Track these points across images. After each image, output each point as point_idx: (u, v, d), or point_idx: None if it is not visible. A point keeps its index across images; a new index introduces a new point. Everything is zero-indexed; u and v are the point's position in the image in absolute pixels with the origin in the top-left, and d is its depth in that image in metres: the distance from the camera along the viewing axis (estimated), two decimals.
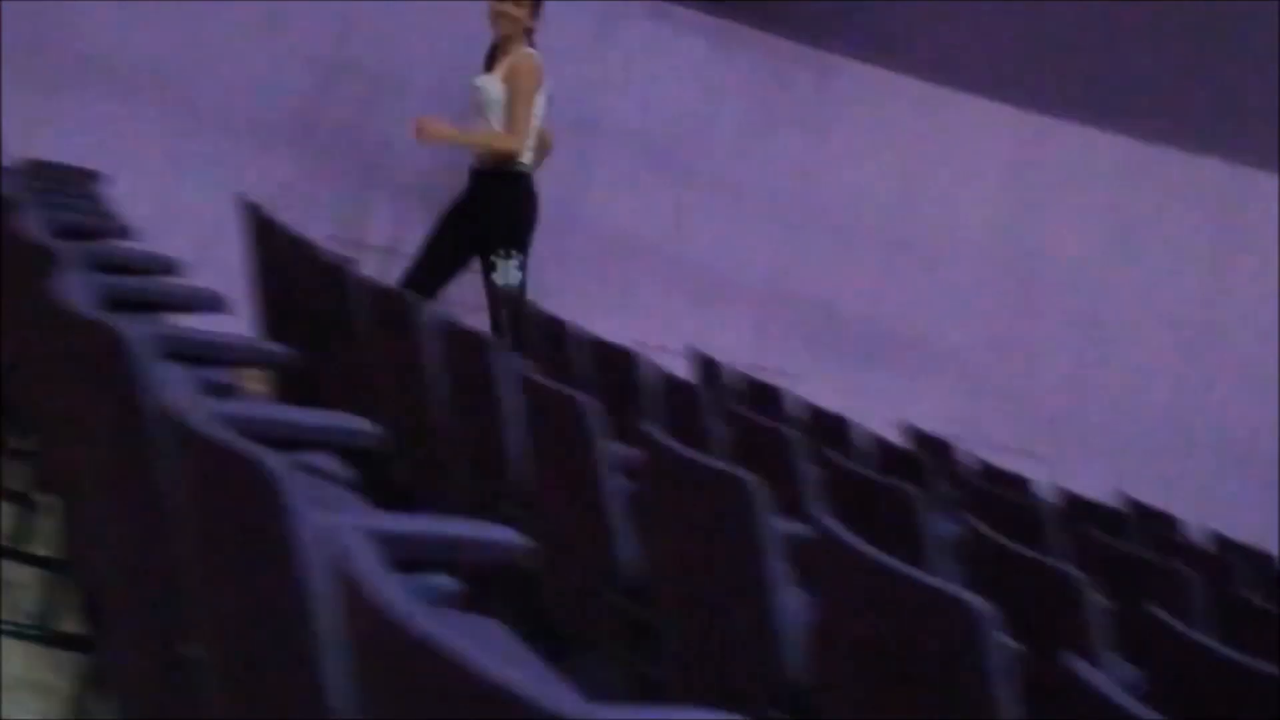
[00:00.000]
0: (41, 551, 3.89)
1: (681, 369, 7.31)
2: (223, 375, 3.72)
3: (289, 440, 2.72)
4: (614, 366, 6.13)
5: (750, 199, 9.53)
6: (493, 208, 7.57)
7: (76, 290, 2.88)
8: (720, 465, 3.47)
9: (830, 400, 7.50)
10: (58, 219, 4.72)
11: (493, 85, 7.60)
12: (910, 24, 9.64)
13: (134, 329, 2.41)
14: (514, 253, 7.54)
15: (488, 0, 7.65)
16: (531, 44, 7.70)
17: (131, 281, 4.34)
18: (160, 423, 2.21)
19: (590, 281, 9.13)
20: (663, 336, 8.43)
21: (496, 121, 7.59)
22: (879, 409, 8.09)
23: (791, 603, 3.23)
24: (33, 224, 3.53)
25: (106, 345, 2.44)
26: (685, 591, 3.50)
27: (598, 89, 9.22)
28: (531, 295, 7.59)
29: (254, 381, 5.41)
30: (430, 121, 7.60)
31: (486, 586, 2.85)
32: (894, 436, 7.14)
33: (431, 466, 4.64)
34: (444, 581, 2.31)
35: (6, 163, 5.11)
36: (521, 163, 7.62)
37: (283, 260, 5.75)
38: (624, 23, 9.30)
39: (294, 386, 4.96)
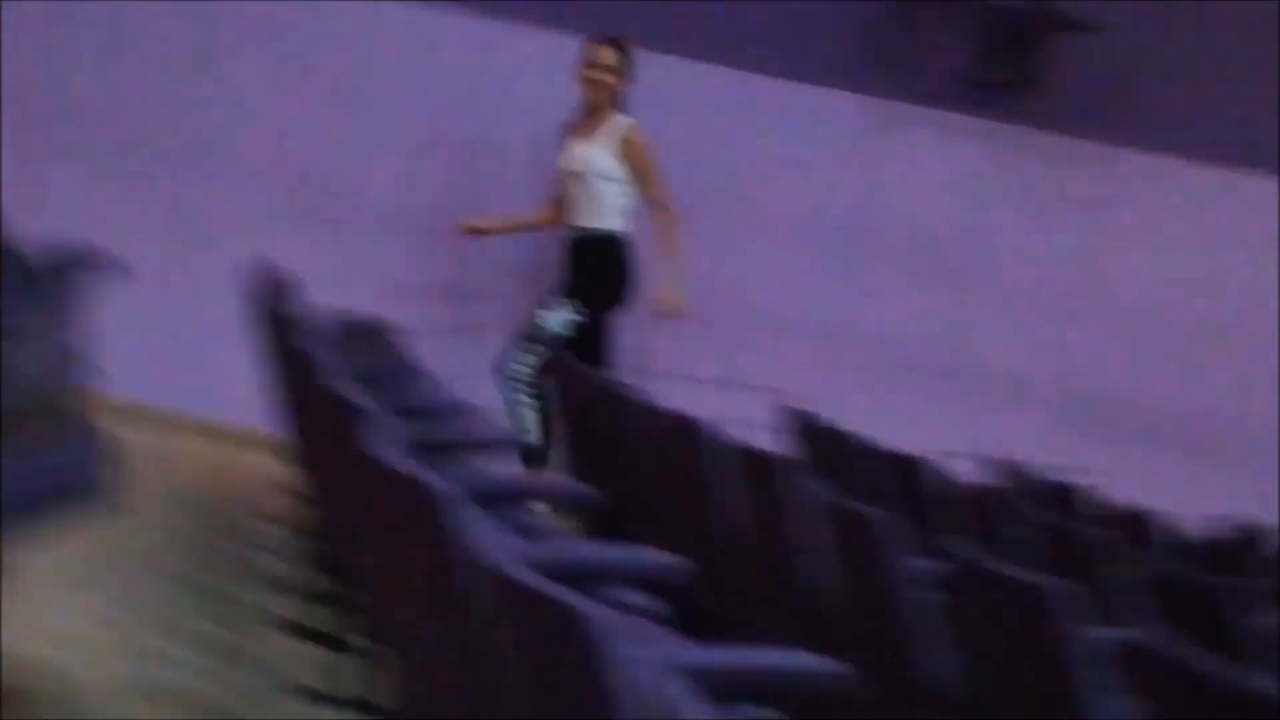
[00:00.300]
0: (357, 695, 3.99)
1: (973, 474, 7.23)
2: (529, 514, 3.79)
3: (598, 578, 2.76)
4: (905, 476, 6.10)
5: (1029, 297, 9.41)
6: (591, 265, 7.36)
7: (384, 442, 2.97)
8: (1025, 575, 3.43)
9: (1133, 495, 7.35)
10: (359, 369, 4.88)
11: (600, 157, 7.39)
12: (1179, 108, 9.48)
13: (441, 479, 2.48)
14: (582, 307, 7.26)
15: (584, 67, 7.43)
16: (622, 109, 7.49)
17: (435, 426, 4.45)
18: (473, 571, 2.26)
19: (871, 390, 9.09)
20: (950, 442, 8.33)
21: (599, 193, 7.36)
22: (1187, 501, 7.91)
23: (1114, 712, 3.16)
24: (337, 378, 3.65)
25: (417, 496, 2.51)
26: (999, 708, 3.45)
27: (871, 197, 9.23)
28: (812, 403, 7.50)
29: (560, 515, 5.49)
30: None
31: (804, 713, 2.84)
32: (1199, 528, 6.97)
33: (734, 592, 4.65)
34: (763, 713, 2.31)
35: (298, 314, 5.28)
36: (624, 231, 7.43)
37: (574, 393, 5.84)
38: (896, 129, 9.30)
39: (599, 518, 5.02)
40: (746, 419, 8.16)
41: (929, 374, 9.30)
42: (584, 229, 7.38)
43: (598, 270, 7.32)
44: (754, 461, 4.61)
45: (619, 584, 2.94)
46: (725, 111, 9.06)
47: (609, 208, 7.39)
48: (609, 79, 7.40)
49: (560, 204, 7.53)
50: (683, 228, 7.50)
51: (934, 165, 9.35)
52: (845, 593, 4.02)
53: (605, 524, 4.88)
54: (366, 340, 6.41)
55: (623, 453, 5.27)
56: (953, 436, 8.65)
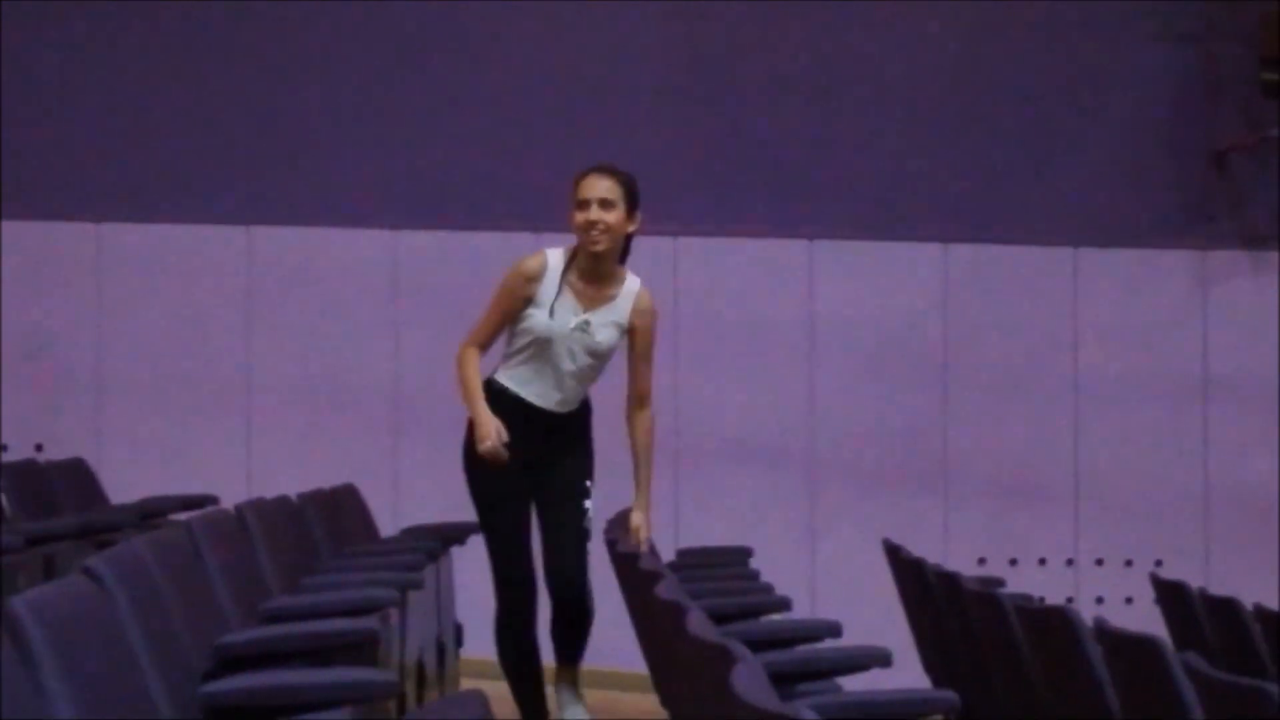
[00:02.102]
0: None
1: None
2: None
3: None
4: None
5: None
6: (588, 439, 5.81)
7: (751, 680, 3.04)
8: None
9: None
10: (718, 605, 4.96)
11: (609, 330, 5.66)
12: None
13: (806, 712, 2.53)
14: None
15: (583, 209, 5.59)
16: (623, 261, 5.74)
17: (799, 653, 4.50)
18: None
19: (1246, 544, 8.86)
20: None
21: (595, 370, 5.71)
22: None
23: None
24: (699, 621, 3.74)
25: None
26: None
27: (1212, 347, 9.10)
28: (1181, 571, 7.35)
29: None
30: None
31: None
32: None
33: None
34: None
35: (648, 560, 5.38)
36: None
37: (933, 598, 5.83)
38: (1228, 278, 9.18)
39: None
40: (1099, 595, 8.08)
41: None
42: (580, 399, 5.72)
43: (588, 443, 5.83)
44: (1126, 644, 4.54)
45: None
46: (1057, 285, 9.06)
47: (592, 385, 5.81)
48: (623, 224, 5.60)
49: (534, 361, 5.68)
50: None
51: (1272, 305, 9.17)
52: None
53: None
54: (729, 572, 6.51)
55: (981, 648, 5.23)
56: None
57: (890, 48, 9.11)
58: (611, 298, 5.64)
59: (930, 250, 9.01)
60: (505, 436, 5.47)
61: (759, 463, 8.81)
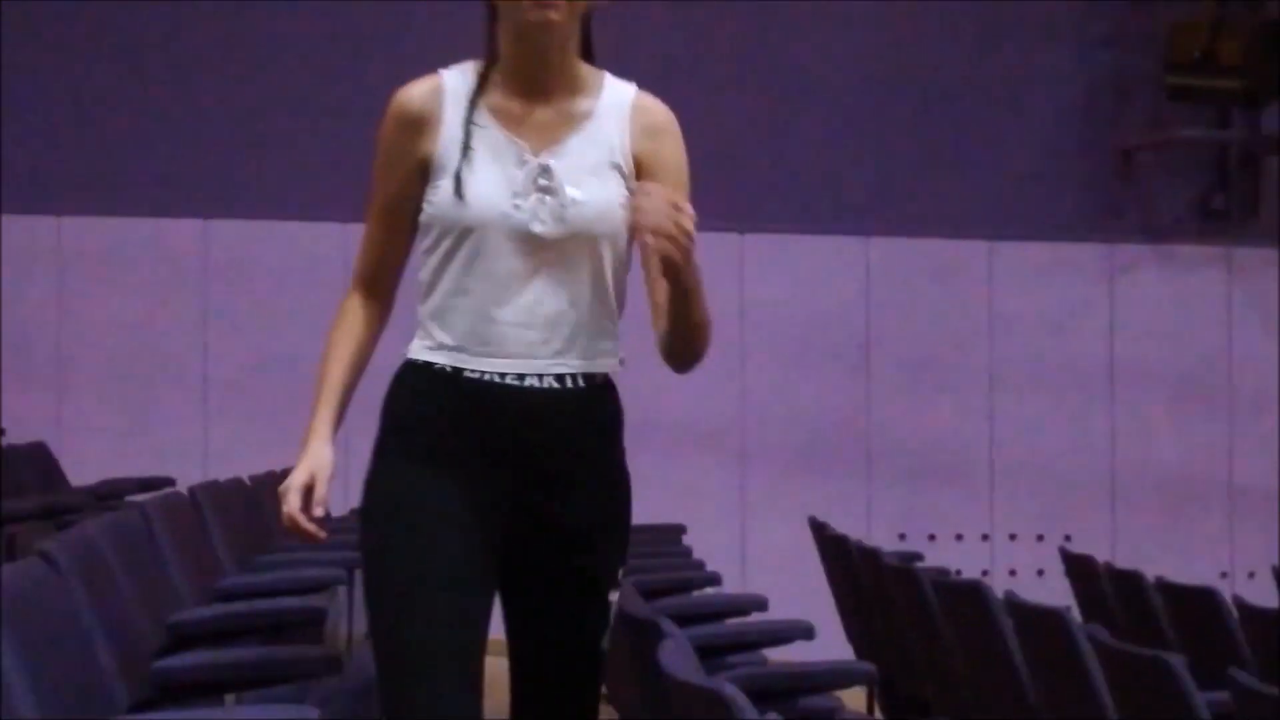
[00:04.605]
0: None
1: (1260, 595, 7.03)
2: (824, 701, 3.81)
3: None
4: (1193, 608, 5.95)
5: (1221, 394, 9.18)
6: (610, 468, 2.89)
7: (678, 655, 3.04)
8: None
9: None
10: (650, 581, 4.96)
11: (592, 175, 2.83)
12: None
13: (729, 688, 2.53)
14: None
15: None
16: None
17: (727, 627, 4.50)
18: None
19: (1151, 523, 8.92)
20: (1241, 564, 8.13)
21: (598, 274, 2.84)
22: None
23: None
24: (630, 596, 3.73)
25: (710, 707, 2.56)
26: None
27: (1121, 336, 9.14)
28: (1083, 544, 7.39)
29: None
30: None
31: None
32: None
33: None
34: None
35: None
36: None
37: (855, 573, 5.85)
38: (1132, 266, 9.23)
39: (890, 693, 5.00)
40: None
41: (1206, 500, 9.09)
42: (569, 370, 2.83)
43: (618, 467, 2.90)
44: (1035, 616, 4.56)
45: None
46: (973, 277, 9.09)
47: (610, 319, 2.88)
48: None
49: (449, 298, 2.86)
50: None
51: (1176, 296, 9.24)
52: None
53: (898, 696, 4.85)
54: (664, 549, 6.50)
55: (900, 620, 5.24)
56: (1231, 558, 8.44)
57: (815, 48, 9.11)
58: (580, 117, 2.82)
59: (853, 243, 9.03)
60: (319, 504, 2.79)
61: (692, 444, 8.81)
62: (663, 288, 2.75)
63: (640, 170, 2.83)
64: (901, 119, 9.13)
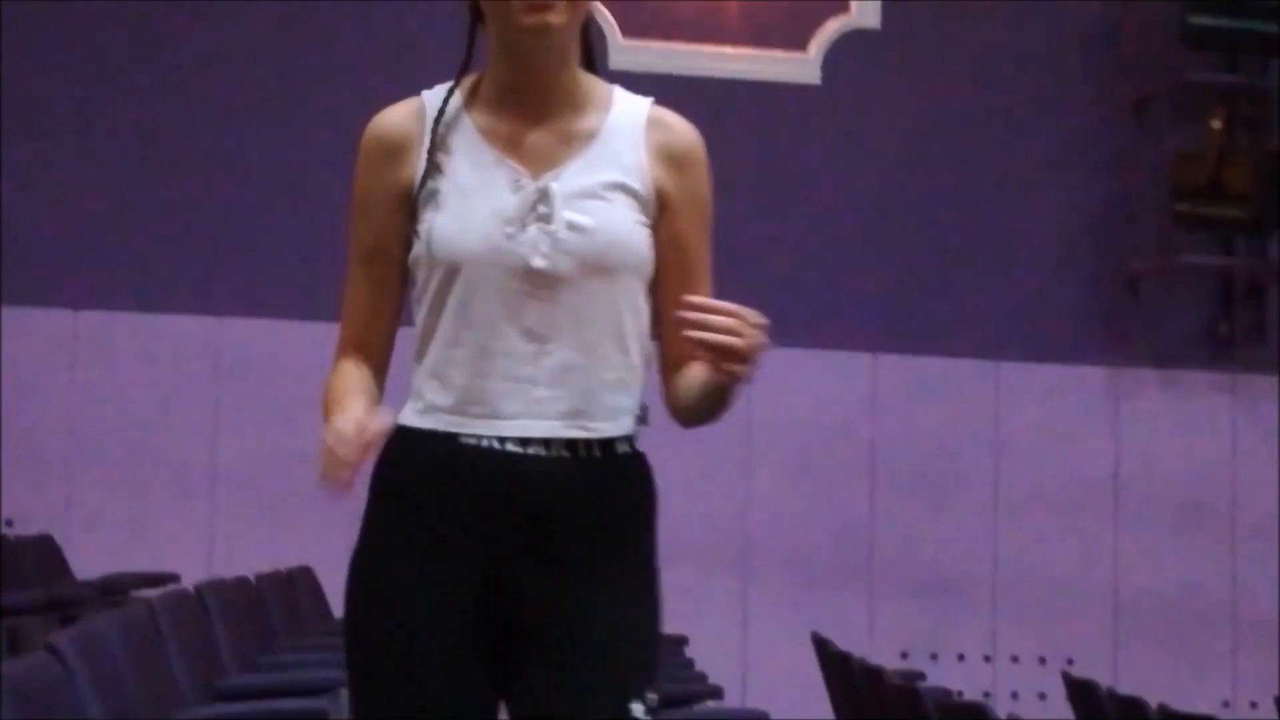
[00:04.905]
0: None
1: None
2: None
3: None
4: None
5: (1225, 519, 9.15)
6: (638, 565, 2.55)
7: None
8: None
9: None
10: None
11: (598, 198, 2.37)
12: None
13: None
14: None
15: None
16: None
17: None
18: None
19: (1154, 648, 8.86)
20: (1231, 692, 8.05)
21: (614, 314, 2.37)
22: None
23: None
24: None
25: None
26: None
27: (1127, 460, 9.13)
28: (1090, 669, 7.32)
29: None
30: None
31: None
32: None
33: None
34: None
35: None
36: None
37: (857, 690, 5.80)
38: (1137, 391, 9.23)
39: None
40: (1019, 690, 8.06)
41: (1209, 627, 9.04)
42: (583, 435, 2.38)
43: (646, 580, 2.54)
44: None
45: None
46: (979, 396, 9.09)
47: (630, 372, 2.43)
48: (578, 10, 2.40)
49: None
50: None
51: (1181, 421, 9.23)
52: None
53: None
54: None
55: None
56: (1235, 686, 8.38)
57: (823, 166, 9.16)
58: (584, 137, 2.40)
59: (859, 359, 9.04)
60: (370, 432, 2.27)
61: (696, 556, 8.77)
62: (689, 363, 2.35)
63: (660, 200, 2.37)
64: (908, 238, 9.17)
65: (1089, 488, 9.10)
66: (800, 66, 9.21)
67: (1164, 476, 9.13)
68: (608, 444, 2.35)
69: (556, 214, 2.30)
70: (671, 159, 2.38)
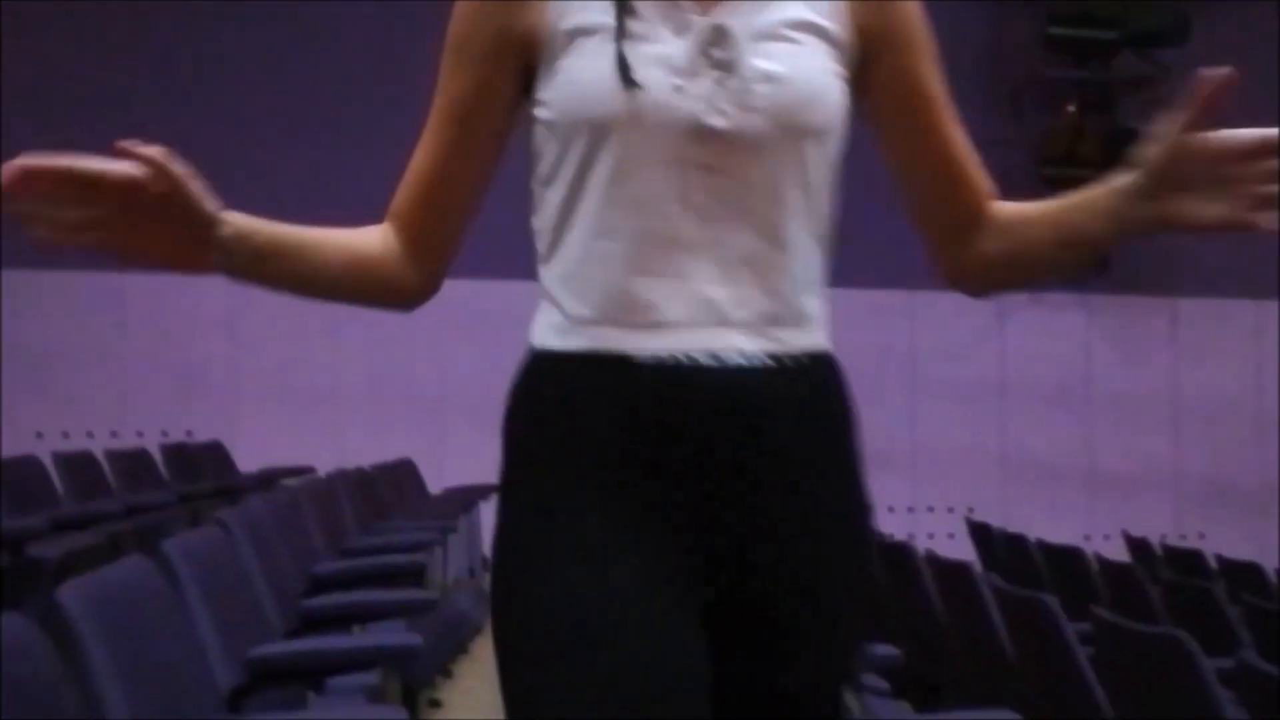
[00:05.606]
0: None
1: (1113, 552, 6.99)
2: None
3: None
4: (1064, 562, 5.92)
5: (1082, 403, 9.12)
6: (850, 491, 1.45)
7: None
8: (1157, 629, 3.32)
9: (1239, 552, 7.02)
10: None
11: (787, 42, 1.35)
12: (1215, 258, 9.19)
13: None
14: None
15: None
16: None
17: None
18: None
19: (1032, 498, 8.88)
20: (1089, 528, 8.07)
21: (799, 205, 1.34)
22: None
23: None
24: None
25: None
26: None
27: (1007, 361, 9.11)
28: (986, 514, 7.33)
29: None
30: None
31: None
32: None
33: (943, 667, 4.56)
34: None
35: None
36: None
37: None
38: (1015, 310, 9.19)
39: None
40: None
41: (1072, 481, 9.05)
42: (781, 343, 1.35)
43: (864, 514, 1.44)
44: (948, 570, 4.54)
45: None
46: (898, 321, 9.06)
47: (821, 263, 1.39)
48: None
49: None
50: None
51: (1048, 330, 9.21)
52: (1023, 659, 3.92)
53: None
54: None
55: None
56: (1091, 524, 8.41)
57: None
58: None
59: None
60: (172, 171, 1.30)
61: None
62: (1029, 212, 1.49)
63: (865, 47, 1.40)
64: None
65: (982, 383, 9.08)
66: None
67: (1037, 372, 9.12)
68: (810, 354, 1.37)
69: (742, 59, 1.31)
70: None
